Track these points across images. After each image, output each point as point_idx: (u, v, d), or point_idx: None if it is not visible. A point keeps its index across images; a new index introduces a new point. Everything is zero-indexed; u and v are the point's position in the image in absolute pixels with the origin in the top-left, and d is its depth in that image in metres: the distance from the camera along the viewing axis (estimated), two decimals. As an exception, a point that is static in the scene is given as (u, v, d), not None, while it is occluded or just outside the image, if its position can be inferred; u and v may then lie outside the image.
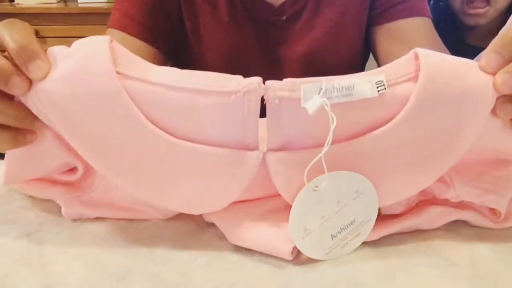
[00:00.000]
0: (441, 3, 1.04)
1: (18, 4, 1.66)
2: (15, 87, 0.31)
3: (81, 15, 1.65)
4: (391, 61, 0.51)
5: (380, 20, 0.67)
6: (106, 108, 0.31)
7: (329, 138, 0.30)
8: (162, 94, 0.31)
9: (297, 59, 0.67)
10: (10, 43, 0.30)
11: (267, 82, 0.31)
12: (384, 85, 0.31)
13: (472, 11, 0.96)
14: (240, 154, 0.33)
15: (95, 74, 0.31)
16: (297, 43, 0.67)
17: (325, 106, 0.30)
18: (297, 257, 0.35)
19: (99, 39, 0.32)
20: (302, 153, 0.33)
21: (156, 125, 0.32)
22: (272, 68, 0.67)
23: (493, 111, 0.32)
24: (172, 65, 0.76)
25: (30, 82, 0.31)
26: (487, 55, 0.31)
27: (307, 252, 0.34)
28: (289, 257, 0.34)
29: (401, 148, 0.33)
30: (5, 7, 1.66)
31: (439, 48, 0.65)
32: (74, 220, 0.39)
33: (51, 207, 0.40)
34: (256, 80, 0.31)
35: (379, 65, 0.70)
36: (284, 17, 0.65)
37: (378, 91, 0.31)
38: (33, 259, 0.35)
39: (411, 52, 0.33)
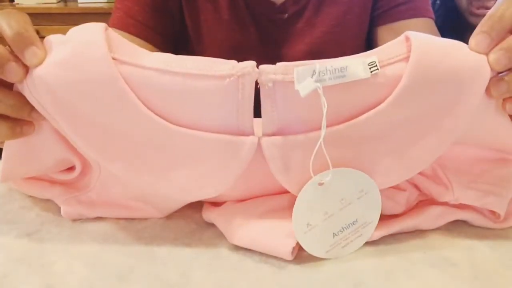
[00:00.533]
0: (437, 1, 1.04)
1: (18, 4, 1.66)
2: (11, 73, 0.31)
3: (81, 15, 1.65)
4: None
5: (383, 20, 0.67)
6: (101, 94, 0.31)
7: (323, 122, 0.30)
8: (156, 78, 0.31)
9: (299, 58, 0.66)
10: (7, 30, 0.30)
11: (261, 66, 0.31)
12: (376, 65, 0.31)
13: (478, 11, 0.96)
14: (235, 140, 0.33)
15: (91, 59, 0.31)
16: (299, 42, 0.67)
17: (318, 89, 0.30)
18: (297, 257, 0.35)
19: (95, 26, 0.32)
20: (298, 137, 0.33)
21: (152, 111, 0.32)
22: None
23: (487, 91, 0.32)
24: None
25: (27, 69, 0.31)
26: (476, 35, 0.31)
27: (308, 248, 0.34)
28: (289, 257, 0.34)
29: (396, 128, 0.33)
30: (5, 7, 1.66)
31: None
32: (74, 220, 0.39)
33: (51, 207, 0.40)
34: (250, 63, 0.31)
35: None
36: (286, 15, 0.65)
37: (371, 71, 0.31)
38: (33, 259, 0.35)
39: (402, 35, 0.33)
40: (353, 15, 0.66)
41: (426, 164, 0.34)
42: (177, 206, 0.40)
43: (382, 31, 0.67)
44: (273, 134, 0.33)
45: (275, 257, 0.35)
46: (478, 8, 0.96)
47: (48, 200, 0.41)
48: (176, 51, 0.68)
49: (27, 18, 0.32)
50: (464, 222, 0.39)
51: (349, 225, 0.34)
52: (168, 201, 0.39)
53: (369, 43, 0.70)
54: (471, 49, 0.32)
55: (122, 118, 0.32)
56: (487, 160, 0.37)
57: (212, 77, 0.31)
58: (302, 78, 0.31)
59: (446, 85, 0.31)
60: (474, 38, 0.31)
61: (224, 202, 0.39)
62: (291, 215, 0.35)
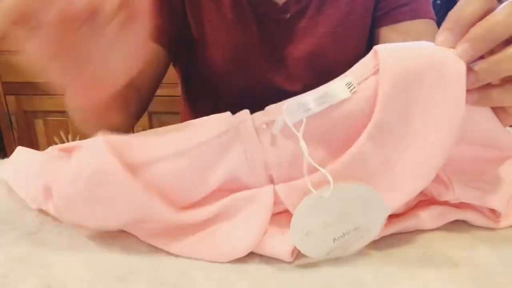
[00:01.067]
0: (438, 1, 1.04)
1: (18, 4, 1.66)
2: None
3: (81, 15, 1.65)
4: None
5: (385, 21, 0.67)
6: (124, 203, 0.34)
7: (305, 161, 0.32)
8: (162, 167, 0.34)
9: (301, 58, 0.67)
10: None
11: (254, 114, 0.35)
12: (353, 85, 0.33)
13: None
14: (253, 194, 0.36)
15: (108, 181, 0.33)
16: (301, 42, 0.67)
17: (287, 123, 0.32)
18: (297, 258, 0.35)
19: (95, 141, 0.34)
20: (300, 182, 0.34)
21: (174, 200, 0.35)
22: (277, 67, 0.67)
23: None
24: (177, 66, 0.76)
25: None
26: (441, 33, 0.33)
27: (307, 252, 0.34)
28: (289, 259, 0.34)
29: (387, 145, 0.33)
30: (5, 7, 1.66)
31: None
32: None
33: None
34: (244, 112, 0.35)
35: None
36: (288, 15, 0.65)
37: (350, 91, 0.33)
38: (33, 259, 0.35)
39: (372, 50, 0.34)
40: (355, 15, 0.66)
41: (439, 164, 0.33)
42: None
43: (385, 32, 0.67)
44: (285, 179, 0.35)
45: (275, 258, 0.35)
46: None
47: (48, 200, 0.41)
48: (179, 52, 0.69)
49: None
50: (464, 222, 0.39)
51: (350, 231, 0.34)
52: None
53: (371, 44, 0.70)
54: (438, 45, 0.33)
55: (147, 217, 0.35)
56: (486, 160, 0.37)
57: (212, 138, 0.34)
58: (292, 114, 0.33)
59: (421, 83, 0.32)
60: (440, 35, 0.33)
61: None
62: (290, 217, 0.36)
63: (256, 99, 0.65)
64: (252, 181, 0.36)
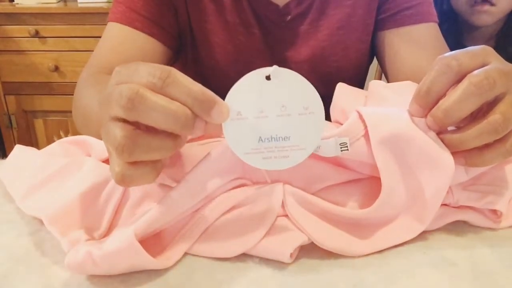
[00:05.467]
0: (444, 7, 1.04)
1: (18, 4, 1.66)
2: (199, 129, 0.31)
3: (81, 15, 1.65)
4: (398, 66, 0.52)
5: (388, 25, 0.66)
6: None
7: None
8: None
9: (303, 60, 0.67)
10: (184, 98, 0.30)
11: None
12: (347, 146, 0.34)
13: (481, 8, 0.95)
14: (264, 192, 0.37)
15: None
16: (303, 44, 0.66)
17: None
18: (297, 258, 0.35)
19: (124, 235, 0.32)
20: (307, 198, 0.37)
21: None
22: None
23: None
24: (180, 67, 0.76)
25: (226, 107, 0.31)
26: (412, 104, 0.35)
27: (228, 137, 0.32)
28: (288, 260, 0.34)
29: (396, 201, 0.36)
30: (5, 7, 1.66)
31: (445, 53, 0.65)
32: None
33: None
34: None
35: (383, 69, 0.70)
36: (289, 17, 0.65)
37: (341, 150, 0.34)
38: (33, 259, 0.35)
39: (355, 112, 0.36)
40: (357, 18, 0.66)
41: (436, 205, 0.36)
42: None
43: (388, 35, 0.66)
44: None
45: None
46: (479, 5, 0.95)
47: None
48: (183, 52, 0.68)
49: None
50: (464, 222, 0.39)
51: (279, 138, 0.32)
52: None
53: (374, 47, 0.70)
54: (411, 115, 0.35)
55: None
56: None
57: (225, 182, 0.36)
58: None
59: (403, 146, 0.35)
60: (411, 106, 0.35)
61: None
62: (290, 220, 0.36)
63: None
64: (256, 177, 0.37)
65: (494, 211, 0.38)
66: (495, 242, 0.37)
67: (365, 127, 0.35)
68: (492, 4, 0.94)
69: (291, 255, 0.34)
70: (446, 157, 0.34)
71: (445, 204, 0.38)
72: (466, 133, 0.33)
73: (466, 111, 0.32)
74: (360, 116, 0.36)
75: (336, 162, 0.38)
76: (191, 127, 0.30)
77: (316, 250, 0.35)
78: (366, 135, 0.35)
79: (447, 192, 0.37)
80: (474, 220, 0.38)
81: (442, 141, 0.34)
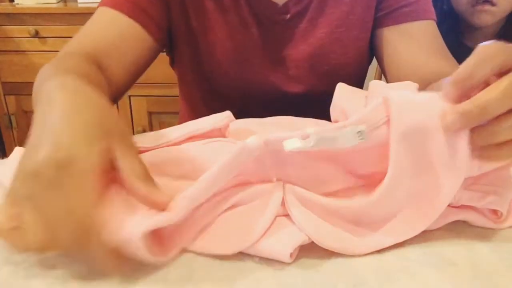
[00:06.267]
0: (444, 7, 1.04)
1: (18, 4, 1.66)
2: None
3: (81, 15, 1.65)
4: (396, 63, 0.51)
5: (386, 22, 0.66)
6: None
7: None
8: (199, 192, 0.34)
9: (302, 59, 0.67)
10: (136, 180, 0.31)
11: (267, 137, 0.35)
12: (363, 134, 0.34)
13: (481, 8, 0.95)
14: (266, 189, 0.37)
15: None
16: (302, 43, 0.66)
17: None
18: (297, 258, 0.35)
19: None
20: (307, 195, 0.36)
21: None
22: (277, 68, 0.67)
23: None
24: (177, 67, 0.75)
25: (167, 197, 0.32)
26: (447, 85, 0.33)
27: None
28: (289, 260, 0.34)
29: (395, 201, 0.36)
30: (5, 7, 1.66)
31: (443, 51, 0.65)
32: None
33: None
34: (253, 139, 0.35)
35: (381, 66, 0.70)
36: (288, 15, 0.65)
37: (360, 139, 0.34)
38: (34, 260, 0.35)
39: (381, 98, 0.35)
40: (356, 16, 0.66)
41: (445, 204, 0.35)
42: None
43: (386, 32, 0.67)
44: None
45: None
46: (481, 4, 0.95)
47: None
48: (180, 52, 0.68)
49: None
50: (464, 222, 0.39)
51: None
52: None
53: (372, 45, 0.70)
54: (443, 96, 0.33)
55: None
56: None
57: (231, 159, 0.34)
58: (293, 146, 0.34)
59: (431, 143, 0.34)
60: (446, 88, 0.33)
61: None
62: (290, 219, 0.36)
63: (256, 100, 0.65)
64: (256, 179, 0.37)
65: (495, 212, 0.38)
66: (495, 242, 0.37)
67: (388, 114, 0.34)
68: (493, 4, 0.95)
69: (291, 255, 0.34)
70: (465, 158, 0.33)
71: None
72: (499, 125, 0.31)
73: (503, 110, 0.31)
74: (385, 102, 0.35)
75: (343, 164, 0.37)
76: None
77: (316, 250, 0.35)
78: (388, 123, 0.34)
79: None
80: (474, 220, 0.38)
81: (476, 136, 0.33)
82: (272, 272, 0.34)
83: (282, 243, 0.34)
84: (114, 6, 0.61)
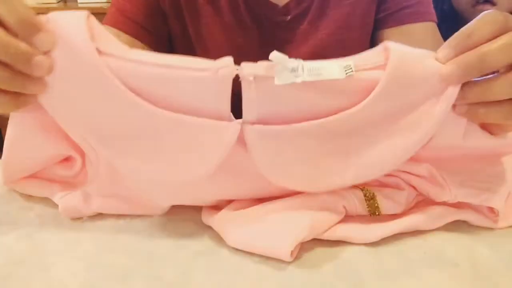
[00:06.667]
0: (445, 7, 1.04)
1: (18, 4, 1.66)
2: (39, 67, 0.31)
3: (81, 15, 1.65)
4: None
5: (387, 24, 0.66)
6: (84, 78, 0.32)
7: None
8: (138, 68, 0.33)
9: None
10: (8, 17, 0.30)
11: (243, 63, 0.33)
12: (352, 69, 0.33)
13: (482, 8, 0.96)
14: (220, 124, 0.34)
15: (71, 45, 0.32)
16: (302, 44, 0.66)
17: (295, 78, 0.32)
18: (297, 258, 0.35)
19: (76, 13, 0.33)
20: (279, 127, 0.34)
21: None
22: None
23: (453, 107, 0.33)
24: None
25: (50, 60, 0.31)
26: (443, 49, 0.33)
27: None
28: (289, 258, 0.34)
29: (372, 125, 0.34)
30: (5, 7, 1.66)
31: None
32: (74, 220, 0.39)
33: (51, 207, 0.40)
34: (228, 59, 0.33)
35: None
36: (289, 17, 0.65)
37: (346, 74, 0.33)
38: (33, 260, 0.35)
39: (381, 45, 0.34)
40: (356, 17, 0.66)
41: (398, 163, 0.35)
42: (170, 200, 0.40)
43: (387, 34, 0.67)
44: (253, 123, 0.34)
45: (275, 258, 0.35)
46: (483, 5, 0.96)
47: (48, 201, 0.41)
48: (176, 54, 0.68)
49: (23, 1, 0.32)
50: (464, 222, 0.39)
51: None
52: (159, 192, 0.39)
53: (373, 46, 0.70)
54: (437, 60, 0.33)
55: (106, 102, 0.33)
56: (478, 158, 0.38)
57: (192, 69, 0.32)
58: (281, 74, 0.33)
59: (418, 92, 0.33)
60: (441, 51, 0.33)
61: (223, 206, 0.39)
62: (290, 218, 0.36)
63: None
64: (214, 115, 0.34)
65: (493, 210, 0.38)
66: (495, 242, 0.37)
67: (386, 60, 0.33)
68: (493, 4, 0.95)
69: (291, 253, 0.34)
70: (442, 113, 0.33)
71: (444, 203, 0.38)
72: (494, 81, 0.32)
73: (502, 63, 0.31)
74: (385, 49, 0.34)
75: (331, 96, 0.34)
76: (24, 59, 0.30)
77: (316, 250, 0.36)
78: (383, 68, 0.33)
79: (444, 189, 0.37)
80: (474, 220, 0.38)
81: (468, 90, 0.32)
82: (272, 272, 0.34)
83: (282, 241, 0.34)
84: (114, 25, 0.62)
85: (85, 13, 0.33)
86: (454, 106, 0.33)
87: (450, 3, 1.03)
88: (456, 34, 0.33)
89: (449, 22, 1.03)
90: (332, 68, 0.33)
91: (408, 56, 0.34)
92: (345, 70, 0.33)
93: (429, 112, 0.33)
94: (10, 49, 0.30)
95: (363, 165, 0.35)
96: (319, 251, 0.36)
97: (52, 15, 0.33)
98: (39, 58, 0.31)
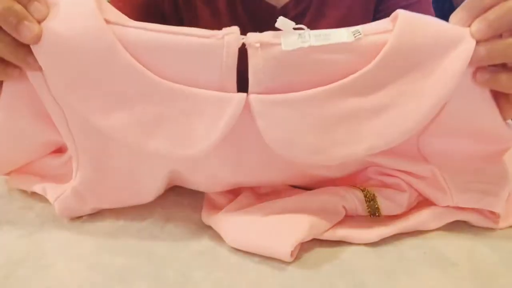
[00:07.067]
0: (445, 7, 1.04)
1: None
2: (26, 31, 0.31)
3: (81, 14, 1.65)
4: None
5: None
6: (91, 47, 0.32)
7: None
8: (143, 35, 0.33)
9: None
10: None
11: (248, 33, 0.33)
12: (360, 33, 0.33)
13: None
14: (224, 96, 0.33)
15: (79, 14, 0.32)
16: None
17: (302, 43, 0.32)
18: (297, 258, 0.35)
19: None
20: (286, 95, 0.33)
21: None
22: None
23: (474, 75, 0.33)
24: None
25: (40, 29, 0.31)
26: (457, 13, 0.34)
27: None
28: (289, 259, 0.34)
29: (380, 90, 0.33)
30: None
31: None
32: (74, 220, 0.39)
33: (51, 207, 0.40)
34: (234, 28, 0.33)
35: None
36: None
37: (355, 37, 0.33)
38: (33, 260, 0.35)
39: (393, 14, 0.34)
40: (355, 18, 0.66)
41: (412, 130, 0.33)
42: (164, 181, 0.40)
43: None
44: (260, 93, 0.34)
45: (275, 258, 0.35)
46: None
47: (48, 200, 0.41)
48: None
49: None
50: (464, 222, 0.39)
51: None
52: (155, 170, 0.39)
53: None
54: (453, 23, 0.33)
55: (112, 70, 0.33)
56: (480, 157, 0.37)
57: (197, 36, 0.32)
58: (288, 40, 0.32)
59: (430, 50, 0.33)
60: (455, 16, 0.34)
61: (224, 205, 0.39)
62: (290, 218, 0.36)
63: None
64: (217, 87, 0.34)
65: (493, 211, 0.38)
66: (495, 242, 0.37)
67: (393, 25, 0.33)
68: None
69: (291, 253, 0.34)
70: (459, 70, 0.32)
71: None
72: (504, 41, 0.32)
73: None
74: (394, 16, 0.34)
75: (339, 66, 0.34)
76: (15, 20, 0.30)
77: (316, 250, 0.36)
78: (391, 33, 0.33)
79: (446, 194, 0.37)
80: (474, 220, 0.38)
81: (494, 47, 0.32)
82: (272, 272, 0.34)
83: (282, 241, 0.34)
84: None
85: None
86: (475, 73, 0.33)
87: (450, 3, 1.03)
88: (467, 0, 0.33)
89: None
90: (340, 33, 0.33)
91: (417, 19, 0.34)
92: (354, 34, 0.33)
93: (442, 73, 0.33)
94: (5, 8, 0.30)
95: (375, 133, 0.34)
96: (319, 251, 0.36)
97: None
98: (29, 23, 0.31)
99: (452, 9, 1.12)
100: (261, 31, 0.62)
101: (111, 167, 0.38)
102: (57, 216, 0.39)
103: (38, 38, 0.31)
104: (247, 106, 0.33)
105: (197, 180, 0.40)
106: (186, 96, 0.33)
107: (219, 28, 0.67)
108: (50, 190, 0.40)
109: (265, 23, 0.64)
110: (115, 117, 0.33)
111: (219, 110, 0.33)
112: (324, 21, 0.65)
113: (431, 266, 0.34)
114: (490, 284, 0.33)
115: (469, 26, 0.33)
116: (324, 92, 0.33)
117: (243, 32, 0.65)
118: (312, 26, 0.65)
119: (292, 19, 0.68)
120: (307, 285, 0.33)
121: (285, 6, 0.64)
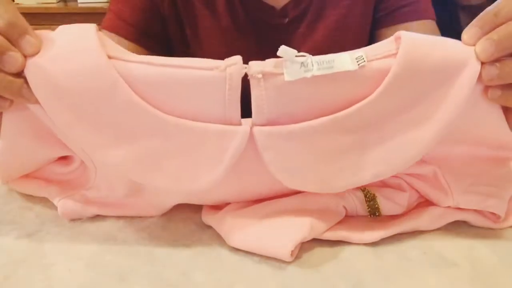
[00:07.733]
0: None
1: (18, 4, 1.66)
2: (11, 62, 0.31)
3: (81, 15, 1.65)
4: None
5: (386, 23, 0.66)
6: (94, 83, 0.32)
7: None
8: (145, 69, 0.32)
9: None
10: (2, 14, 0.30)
11: (250, 61, 0.32)
12: (364, 59, 0.32)
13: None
14: (227, 129, 0.33)
15: (83, 50, 0.32)
16: (300, 46, 0.66)
17: (305, 73, 0.31)
18: (297, 258, 0.35)
19: (86, 25, 0.33)
20: (290, 127, 0.33)
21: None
22: None
23: (485, 91, 0.32)
24: None
25: (25, 58, 0.31)
26: (469, 29, 0.32)
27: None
28: (289, 258, 0.34)
29: (386, 118, 0.33)
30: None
31: None
32: (74, 220, 0.39)
33: (51, 207, 0.40)
34: (237, 57, 0.32)
35: None
36: (287, 20, 0.65)
37: (359, 65, 0.32)
38: (33, 260, 0.35)
39: (394, 35, 0.34)
40: (354, 18, 0.66)
41: (417, 156, 0.34)
42: (172, 202, 0.40)
43: (386, 32, 0.66)
44: (264, 125, 0.33)
45: (275, 258, 0.35)
46: None
47: (48, 200, 0.41)
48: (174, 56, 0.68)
49: (14, 5, 0.32)
50: (464, 222, 0.39)
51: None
52: (163, 196, 0.39)
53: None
54: (463, 42, 0.32)
55: (114, 107, 0.32)
56: (484, 159, 0.37)
57: (199, 68, 0.32)
58: (291, 70, 0.32)
59: (434, 76, 0.32)
60: (467, 32, 0.32)
61: (224, 205, 0.39)
62: (290, 218, 0.36)
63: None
64: (221, 120, 0.33)
65: (494, 212, 0.38)
66: (495, 242, 0.37)
67: (397, 48, 0.33)
68: None
69: (291, 253, 0.34)
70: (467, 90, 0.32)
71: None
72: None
73: None
74: (397, 38, 0.33)
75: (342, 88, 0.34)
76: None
77: (316, 250, 0.36)
78: (395, 56, 0.32)
79: (447, 195, 0.37)
80: (474, 220, 0.38)
81: (504, 67, 0.31)
82: (272, 272, 0.34)
83: (282, 240, 0.34)
84: (113, 31, 0.61)
85: (94, 25, 0.33)
86: (486, 90, 0.32)
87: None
88: (481, 14, 0.32)
89: (450, 16, 1.03)
90: (343, 60, 0.32)
91: (421, 42, 0.33)
92: (357, 61, 0.32)
93: (447, 100, 0.32)
94: None
95: (380, 161, 0.34)
96: (319, 251, 0.36)
97: (62, 27, 0.33)
98: (13, 53, 0.31)
99: (452, 2, 1.10)
100: (260, 31, 0.62)
101: (121, 191, 0.39)
102: (57, 216, 0.39)
103: (21, 68, 0.31)
104: (251, 137, 0.33)
105: (203, 202, 0.40)
106: (190, 131, 0.33)
107: (219, 29, 0.67)
108: (55, 193, 0.40)
109: (265, 24, 0.65)
110: (117, 153, 0.33)
111: (224, 143, 0.33)
112: (323, 22, 0.65)
113: (431, 266, 0.34)
114: (489, 284, 0.33)
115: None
116: (329, 122, 0.33)
117: (243, 33, 0.65)
118: (312, 26, 0.66)
119: (291, 19, 0.68)
120: (307, 285, 0.33)
121: (285, 7, 0.64)
